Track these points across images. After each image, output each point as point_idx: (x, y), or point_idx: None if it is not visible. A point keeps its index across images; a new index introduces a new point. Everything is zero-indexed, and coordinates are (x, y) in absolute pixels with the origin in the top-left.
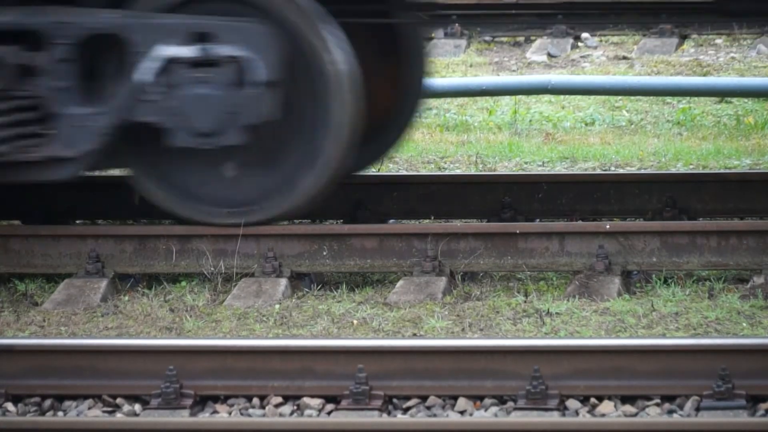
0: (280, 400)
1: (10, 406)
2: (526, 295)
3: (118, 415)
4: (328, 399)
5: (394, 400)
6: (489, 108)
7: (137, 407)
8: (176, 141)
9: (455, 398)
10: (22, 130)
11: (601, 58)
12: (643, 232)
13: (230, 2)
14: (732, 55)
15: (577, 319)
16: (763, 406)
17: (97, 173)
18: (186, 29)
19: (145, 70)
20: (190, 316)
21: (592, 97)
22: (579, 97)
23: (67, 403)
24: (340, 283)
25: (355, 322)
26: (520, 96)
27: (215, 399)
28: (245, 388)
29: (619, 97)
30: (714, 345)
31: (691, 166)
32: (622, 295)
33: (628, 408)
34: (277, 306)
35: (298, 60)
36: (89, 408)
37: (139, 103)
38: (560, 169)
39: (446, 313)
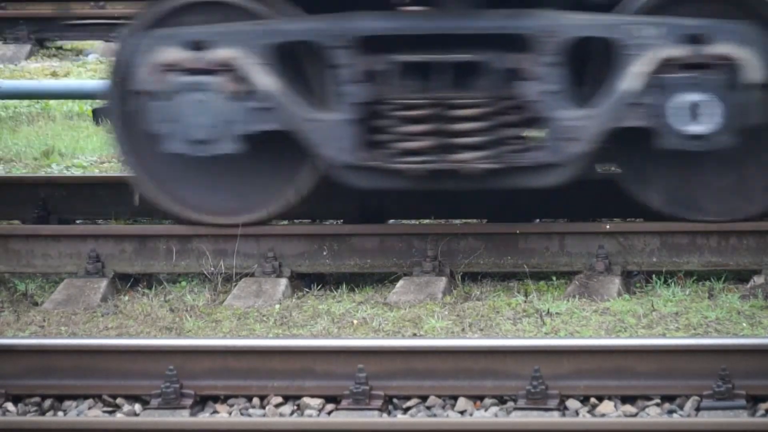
0: (280, 400)
1: (10, 406)
2: (526, 295)
3: (118, 415)
4: (328, 399)
5: (394, 400)
6: None
7: (137, 407)
8: (666, 144)
9: (455, 398)
10: (509, 135)
11: None
12: (643, 232)
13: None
14: None
15: (577, 319)
16: (763, 406)
17: (97, 173)
18: (679, 31)
19: (637, 74)
20: (190, 316)
21: None
22: None
23: (67, 403)
24: (340, 283)
25: (355, 322)
26: None
27: (215, 399)
28: (245, 388)
29: None
30: (714, 345)
31: None
32: (622, 295)
33: (628, 408)
34: (277, 306)
35: None
36: (89, 408)
37: (629, 107)
38: None
39: (446, 313)
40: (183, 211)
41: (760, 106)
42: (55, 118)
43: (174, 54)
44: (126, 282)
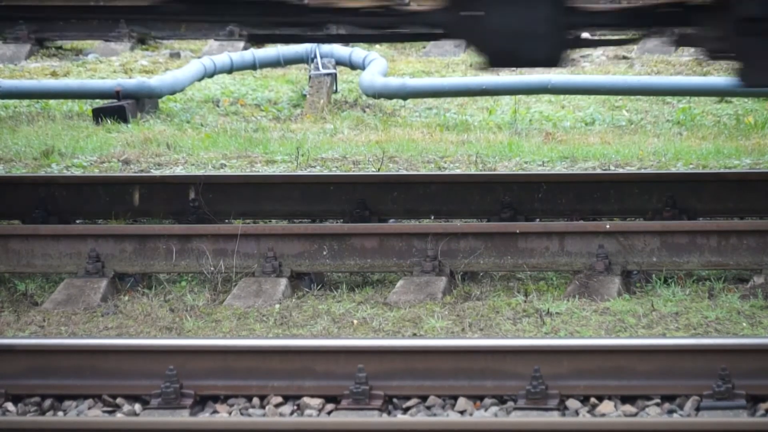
0: (280, 400)
1: (10, 406)
2: (526, 295)
3: (118, 415)
4: (328, 399)
5: (394, 400)
6: (489, 108)
7: (137, 407)
8: None
9: (455, 398)
10: None
11: (601, 57)
12: (643, 232)
13: None
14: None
15: (577, 319)
16: (763, 406)
17: (97, 173)
18: None
19: None
20: (190, 316)
21: (592, 96)
22: (579, 96)
23: (67, 403)
24: (340, 283)
25: (355, 322)
26: (519, 95)
27: (215, 399)
28: (245, 388)
29: (619, 97)
30: (714, 345)
31: (691, 166)
32: (622, 295)
33: (628, 408)
34: (277, 306)
35: None
36: (89, 408)
37: None
38: (560, 168)
39: (446, 313)
40: None
41: None
42: (55, 118)
43: None
44: (126, 282)
